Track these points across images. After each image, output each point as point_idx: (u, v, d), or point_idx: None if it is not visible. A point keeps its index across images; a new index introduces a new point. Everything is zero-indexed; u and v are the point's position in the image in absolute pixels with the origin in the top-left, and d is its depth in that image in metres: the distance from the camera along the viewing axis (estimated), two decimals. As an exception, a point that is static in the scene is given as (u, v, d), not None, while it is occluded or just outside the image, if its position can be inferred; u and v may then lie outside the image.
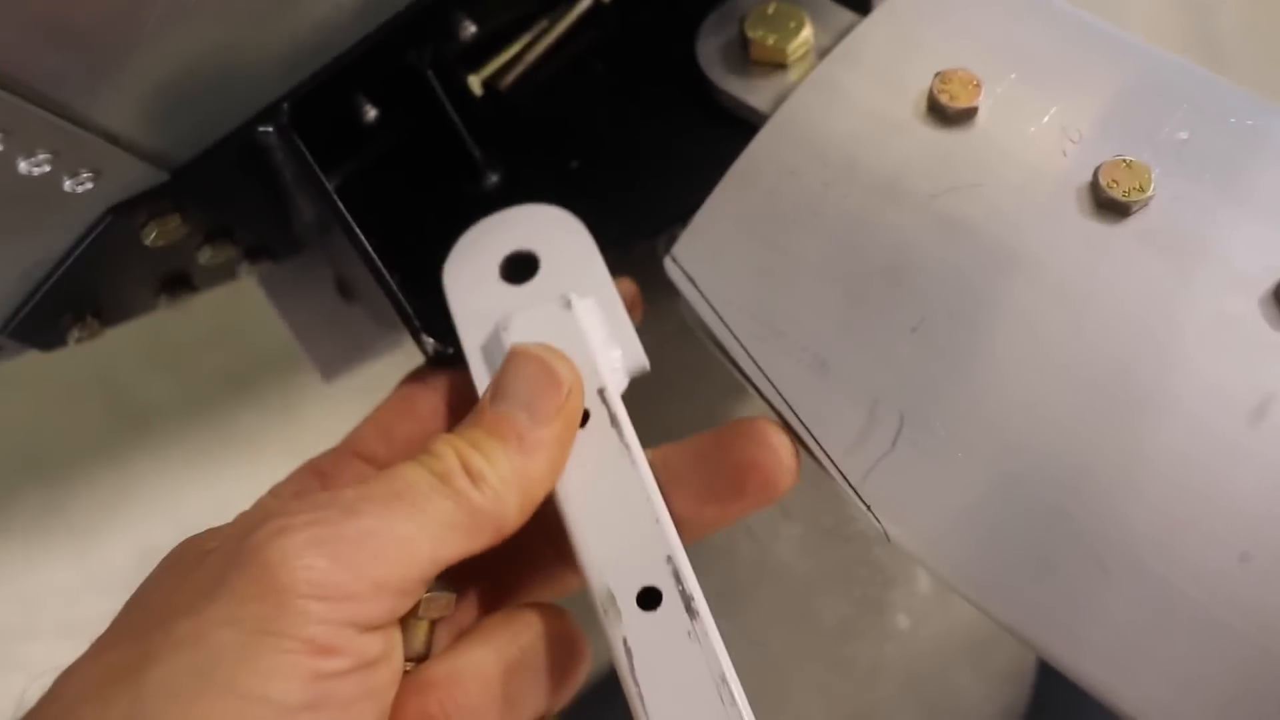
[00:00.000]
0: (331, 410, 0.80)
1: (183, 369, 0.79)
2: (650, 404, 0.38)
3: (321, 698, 0.24)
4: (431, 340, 0.33)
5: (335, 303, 0.42)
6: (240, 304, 0.77)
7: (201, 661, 0.23)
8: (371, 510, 0.26)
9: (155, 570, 0.27)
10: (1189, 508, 0.27)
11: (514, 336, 0.31)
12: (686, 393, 0.41)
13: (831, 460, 0.30)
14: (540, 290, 0.33)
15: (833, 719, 0.45)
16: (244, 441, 0.77)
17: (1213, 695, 0.26)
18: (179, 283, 0.37)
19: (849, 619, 0.44)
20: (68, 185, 0.28)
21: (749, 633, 0.42)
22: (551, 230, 0.34)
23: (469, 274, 0.33)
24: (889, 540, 0.30)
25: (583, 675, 0.31)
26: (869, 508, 0.30)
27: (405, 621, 0.27)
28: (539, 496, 0.29)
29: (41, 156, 0.26)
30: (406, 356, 0.45)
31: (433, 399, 0.33)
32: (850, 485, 0.30)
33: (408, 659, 0.28)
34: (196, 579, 0.25)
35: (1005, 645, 0.52)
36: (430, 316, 0.33)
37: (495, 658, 0.29)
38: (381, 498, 0.26)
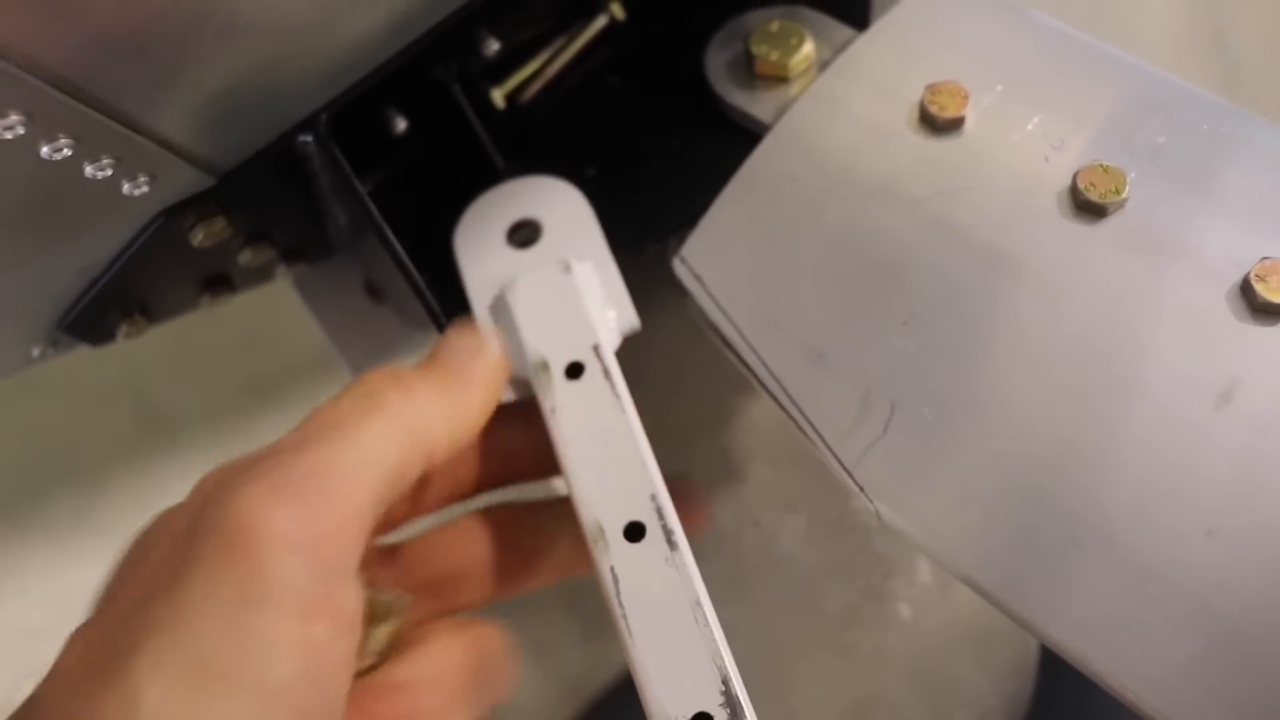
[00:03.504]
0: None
1: (209, 377, 0.82)
2: (661, 398, 0.40)
3: (311, 666, 0.24)
4: (455, 331, 0.35)
5: (364, 304, 0.45)
6: (265, 314, 0.79)
7: (185, 646, 0.23)
8: (312, 446, 0.26)
9: (126, 552, 0.27)
10: (1159, 487, 0.29)
11: (517, 297, 0.34)
12: (694, 388, 0.43)
13: (827, 445, 0.32)
14: (543, 255, 0.36)
15: (838, 705, 0.47)
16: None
17: (1181, 659, 0.28)
18: (220, 283, 0.39)
19: (852, 607, 0.46)
20: (126, 189, 0.30)
21: (756, 619, 0.44)
22: (553, 200, 0.37)
23: (477, 239, 0.36)
24: (880, 520, 0.32)
25: (510, 682, 0.32)
26: (862, 489, 0.32)
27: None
28: (468, 426, 0.30)
29: (105, 162, 0.29)
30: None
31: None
32: (845, 468, 0.32)
33: (366, 665, 0.29)
34: (165, 557, 0.25)
35: (1007, 638, 0.54)
36: (455, 312, 0.36)
37: (452, 662, 0.30)
38: (319, 431, 0.27)
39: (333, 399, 0.28)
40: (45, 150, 0.27)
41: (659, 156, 0.39)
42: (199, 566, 0.24)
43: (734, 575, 0.43)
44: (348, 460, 0.26)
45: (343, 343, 0.45)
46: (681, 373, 0.42)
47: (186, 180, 0.32)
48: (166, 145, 0.30)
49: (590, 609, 1.12)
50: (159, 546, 0.26)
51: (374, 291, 0.45)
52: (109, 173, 0.29)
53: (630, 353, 0.35)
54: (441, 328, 0.35)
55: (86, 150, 0.28)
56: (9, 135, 0.26)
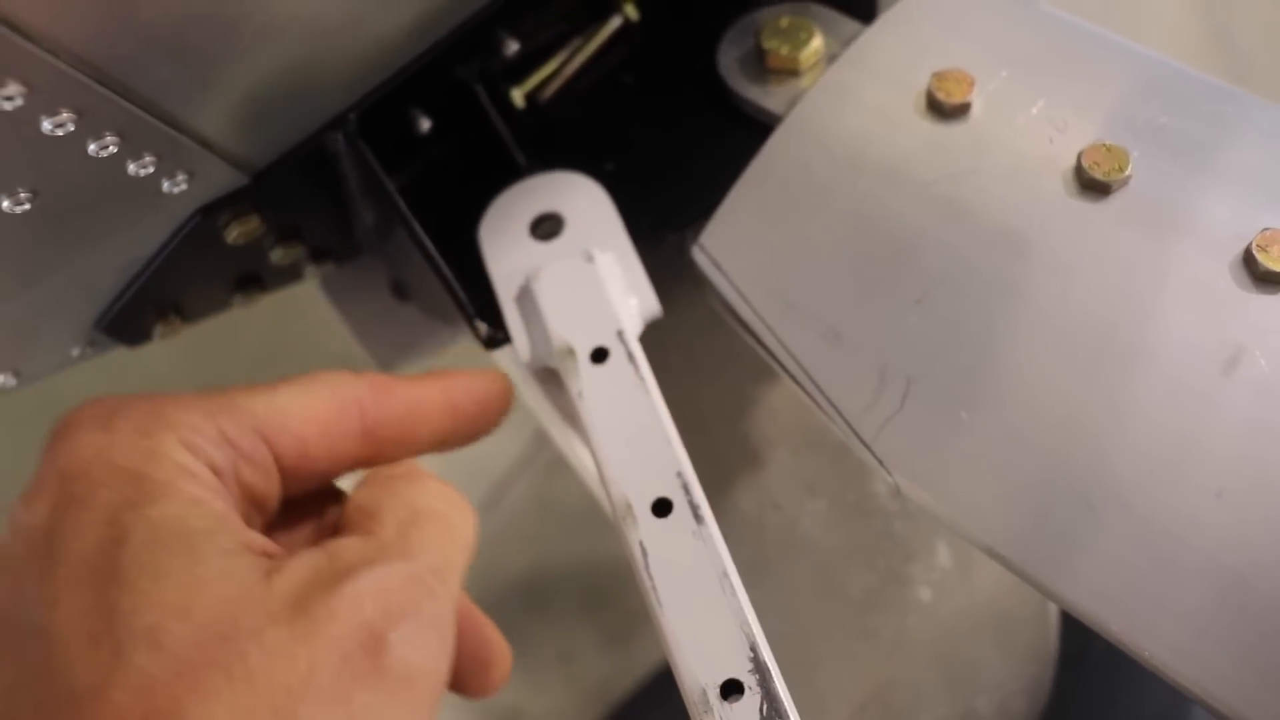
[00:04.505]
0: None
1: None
2: (682, 387, 0.41)
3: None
4: (484, 325, 0.37)
5: (390, 303, 0.46)
6: (283, 330, 0.81)
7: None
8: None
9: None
10: (1168, 451, 0.30)
11: (542, 287, 0.35)
12: (714, 376, 0.45)
13: (846, 421, 0.33)
14: (566, 247, 0.37)
15: (862, 688, 0.48)
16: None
17: (1194, 618, 0.29)
18: (252, 282, 0.40)
19: (873, 590, 0.47)
20: (166, 186, 0.32)
21: (779, 602, 0.45)
22: (575, 193, 0.38)
23: (502, 233, 0.38)
24: (899, 493, 0.33)
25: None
26: (881, 462, 0.33)
27: None
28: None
29: (147, 159, 0.30)
30: (458, 350, 0.49)
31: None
32: (864, 443, 0.33)
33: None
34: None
35: (1027, 623, 0.54)
36: (482, 304, 0.37)
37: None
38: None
39: None
40: (92, 147, 0.28)
41: (676, 150, 0.40)
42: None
43: (756, 559, 0.44)
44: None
45: (369, 341, 0.47)
46: (701, 362, 0.43)
47: (223, 178, 0.34)
48: (205, 143, 0.31)
49: (612, 615, 1.13)
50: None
51: (399, 291, 0.46)
52: (150, 170, 0.31)
53: (651, 343, 0.36)
54: (469, 317, 0.37)
55: (130, 148, 0.29)
56: (60, 132, 0.27)
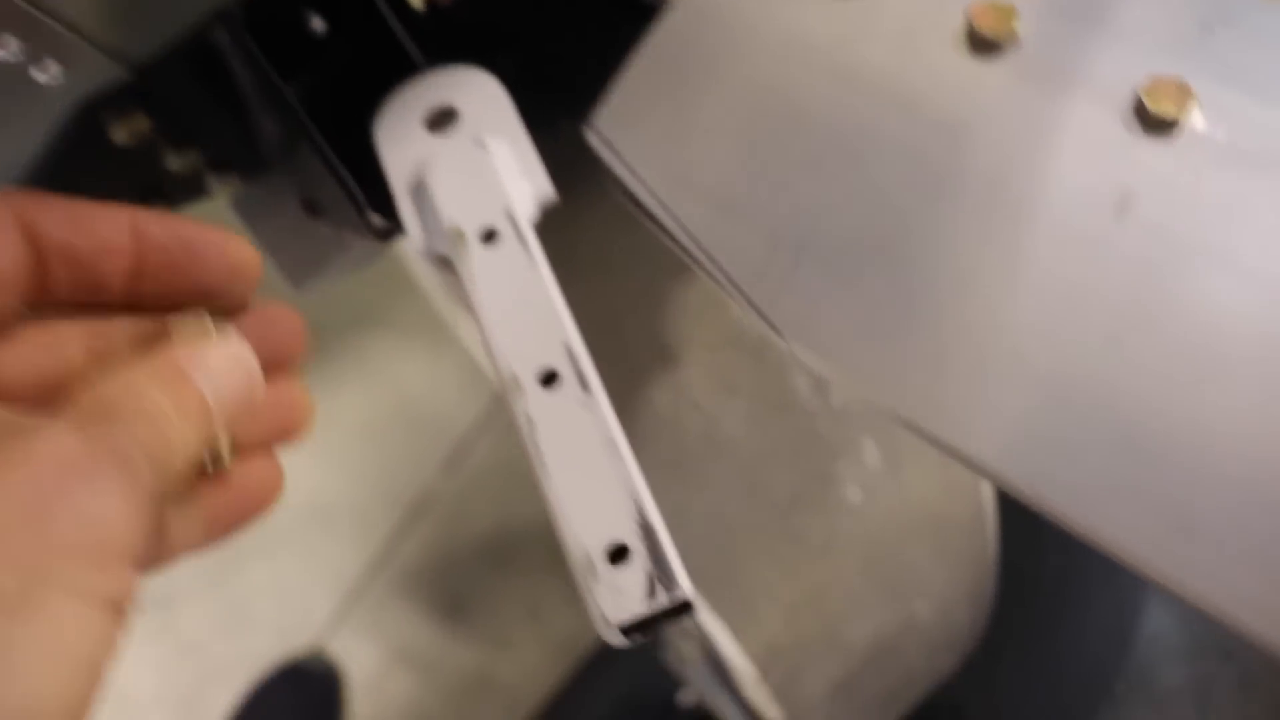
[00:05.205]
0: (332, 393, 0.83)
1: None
2: (594, 285, 0.41)
3: None
4: (377, 216, 0.36)
5: (302, 220, 0.45)
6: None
7: None
8: None
9: None
10: (1063, 300, 0.30)
11: (435, 174, 0.35)
12: (627, 275, 0.44)
13: (740, 290, 0.33)
14: (460, 138, 0.37)
15: (793, 590, 0.48)
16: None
17: (1095, 467, 0.29)
18: (152, 192, 0.40)
19: (799, 491, 0.47)
20: (37, 76, 0.31)
21: (700, 504, 0.45)
22: (469, 86, 0.37)
23: (396, 128, 0.37)
24: (795, 356, 0.33)
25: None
26: (775, 328, 0.32)
27: None
28: None
29: (10, 42, 0.29)
30: (375, 270, 0.48)
31: None
32: (759, 310, 0.33)
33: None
34: None
35: (962, 527, 0.54)
36: (376, 199, 0.37)
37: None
38: None
39: None
40: (-54, 26, 0.28)
41: (575, 45, 0.40)
42: None
43: (675, 459, 0.44)
44: None
45: (281, 258, 0.46)
46: (613, 260, 0.42)
47: (100, 70, 0.33)
48: (73, 27, 0.31)
49: (577, 569, 1.12)
50: None
51: (310, 208, 0.45)
52: (20, 57, 0.30)
53: (560, 243, 0.36)
54: (361, 209, 0.36)
55: (-11, 27, 0.29)
56: (-94, 5, 0.26)
